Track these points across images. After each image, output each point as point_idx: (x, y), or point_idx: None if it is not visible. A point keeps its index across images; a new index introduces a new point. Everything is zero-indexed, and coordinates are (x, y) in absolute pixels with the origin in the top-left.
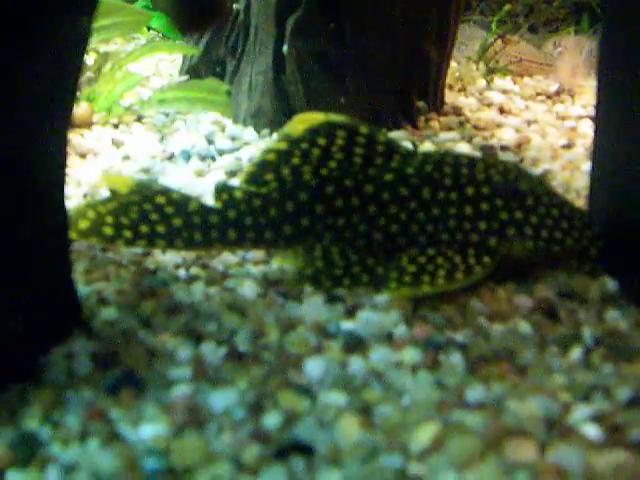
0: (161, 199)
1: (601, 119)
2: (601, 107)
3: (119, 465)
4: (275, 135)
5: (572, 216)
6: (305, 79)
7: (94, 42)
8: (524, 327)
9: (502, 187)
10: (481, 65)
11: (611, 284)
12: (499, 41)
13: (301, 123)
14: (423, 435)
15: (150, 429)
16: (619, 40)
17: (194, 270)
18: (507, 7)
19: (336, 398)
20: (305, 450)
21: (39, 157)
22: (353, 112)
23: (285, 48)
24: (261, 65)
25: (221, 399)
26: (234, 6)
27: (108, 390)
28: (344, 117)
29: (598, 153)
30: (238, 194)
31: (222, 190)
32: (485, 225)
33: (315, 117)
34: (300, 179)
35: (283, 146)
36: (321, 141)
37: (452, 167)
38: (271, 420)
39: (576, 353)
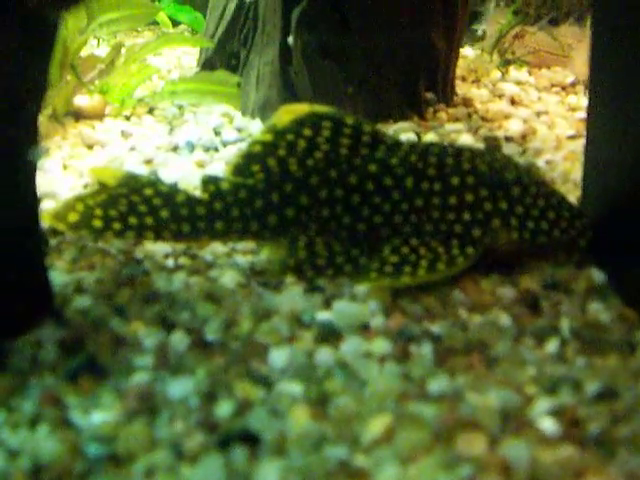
0: (149, 191)
1: (593, 110)
2: (593, 99)
3: (62, 450)
4: None
5: (560, 207)
6: (311, 70)
7: (105, 34)
8: (503, 319)
9: (487, 177)
10: (495, 56)
11: (598, 276)
12: (514, 32)
13: (287, 114)
14: (375, 426)
15: (100, 416)
16: (610, 25)
17: (182, 260)
18: None
19: (292, 388)
20: (251, 440)
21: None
22: (359, 103)
23: (290, 39)
24: (268, 56)
25: (178, 387)
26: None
27: (68, 377)
28: (330, 108)
29: (591, 145)
30: (225, 185)
31: (209, 182)
32: (469, 215)
33: (301, 108)
34: (286, 170)
35: (269, 137)
36: (307, 132)
37: (437, 157)
38: (223, 409)
39: (552, 345)
